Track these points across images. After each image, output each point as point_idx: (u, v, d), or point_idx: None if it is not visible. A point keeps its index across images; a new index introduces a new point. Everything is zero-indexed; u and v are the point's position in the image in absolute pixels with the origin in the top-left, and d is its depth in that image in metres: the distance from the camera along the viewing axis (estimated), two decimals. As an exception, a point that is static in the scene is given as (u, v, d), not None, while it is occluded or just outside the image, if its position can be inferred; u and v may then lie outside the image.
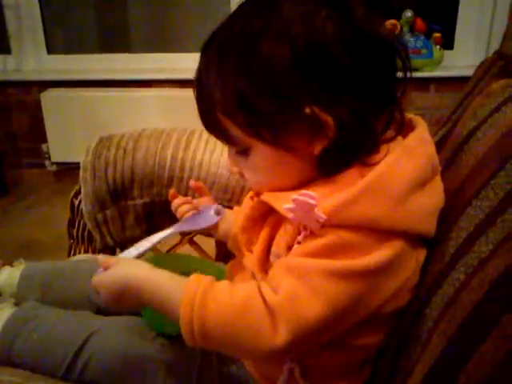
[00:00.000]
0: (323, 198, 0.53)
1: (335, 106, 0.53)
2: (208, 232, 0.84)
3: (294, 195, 0.53)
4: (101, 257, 0.66)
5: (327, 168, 0.57)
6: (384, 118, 0.57)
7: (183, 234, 1.13)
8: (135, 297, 0.60)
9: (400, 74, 0.57)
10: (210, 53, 0.58)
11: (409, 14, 2.18)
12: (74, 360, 0.70)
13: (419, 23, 2.19)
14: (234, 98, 0.54)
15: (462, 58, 2.29)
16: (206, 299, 0.54)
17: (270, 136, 0.55)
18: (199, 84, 0.59)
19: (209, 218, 0.76)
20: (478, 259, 0.52)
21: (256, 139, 0.56)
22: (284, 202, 0.55)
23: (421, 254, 0.58)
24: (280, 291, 0.53)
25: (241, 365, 0.70)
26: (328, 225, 0.52)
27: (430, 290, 0.57)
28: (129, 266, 0.63)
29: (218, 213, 0.76)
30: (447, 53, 2.27)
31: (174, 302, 0.56)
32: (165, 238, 0.73)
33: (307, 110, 0.53)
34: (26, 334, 0.73)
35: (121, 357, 0.70)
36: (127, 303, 0.62)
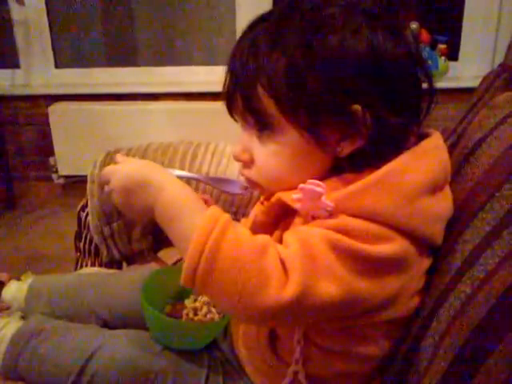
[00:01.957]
0: (331, 190, 0.53)
1: (379, 113, 0.54)
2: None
3: (301, 185, 0.53)
4: (120, 155, 0.63)
5: (344, 169, 0.58)
6: (408, 132, 0.58)
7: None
8: (151, 196, 0.56)
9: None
10: (265, 25, 0.57)
11: (414, 25, 2.19)
12: (79, 375, 0.70)
13: (424, 35, 2.20)
14: (285, 73, 0.54)
15: (467, 69, 2.29)
16: (227, 228, 0.51)
17: (307, 121, 0.55)
18: (243, 54, 0.57)
19: (235, 186, 0.73)
20: (485, 272, 0.52)
21: (291, 121, 0.55)
22: (292, 194, 0.55)
23: (424, 262, 0.58)
24: (290, 248, 0.52)
25: (247, 379, 0.69)
26: (336, 212, 0.53)
27: (437, 303, 0.57)
28: (156, 165, 0.60)
29: (244, 189, 0.74)
30: (452, 64, 2.27)
31: (194, 216, 0.53)
32: (186, 177, 0.71)
33: (356, 108, 0.54)
34: (32, 349, 0.73)
35: (127, 371, 0.69)
36: (137, 202, 0.57)
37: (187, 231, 0.52)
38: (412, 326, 0.60)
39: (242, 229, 0.54)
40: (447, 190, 0.60)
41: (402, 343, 0.62)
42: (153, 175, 0.58)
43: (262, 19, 0.58)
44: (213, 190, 1.01)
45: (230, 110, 0.61)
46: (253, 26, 0.58)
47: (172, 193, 0.56)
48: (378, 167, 0.55)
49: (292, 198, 0.55)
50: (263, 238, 0.53)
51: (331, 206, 0.52)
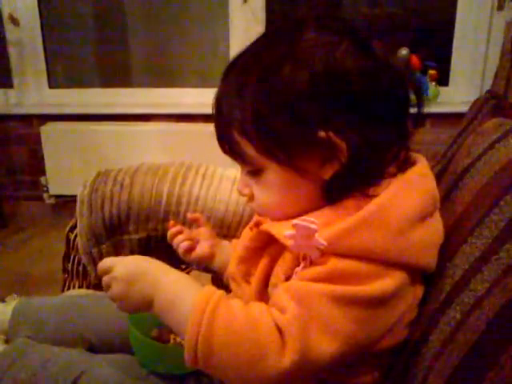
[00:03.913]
0: (323, 227, 0.53)
1: (349, 133, 0.54)
2: (204, 264, 0.84)
3: (295, 220, 0.53)
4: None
5: (332, 195, 0.58)
6: (392, 151, 0.58)
7: (178, 269, 1.11)
8: (150, 286, 0.57)
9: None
10: (232, 75, 0.59)
11: (404, 51, 2.22)
12: (63, 400, 0.68)
13: (415, 60, 2.23)
14: (252, 118, 0.55)
15: (457, 95, 2.32)
16: (219, 306, 0.52)
17: (283, 157, 0.56)
18: (219, 104, 0.60)
19: None
20: (474, 298, 0.51)
21: (270, 159, 0.57)
22: (284, 230, 0.55)
23: (418, 290, 0.58)
24: (287, 312, 0.52)
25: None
26: (328, 253, 0.53)
27: (427, 329, 0.57)
28: (155, 260, 0.62)
29: None
30: (442, 89, 2.31)
31: (187, 302, 0.54)
32: None
33: (322, 134, 0.54)
34: (14, 373, 0.71)
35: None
36: (136, 292, 0.58)
37: (183, 316, 0.53)
38: (403, 352, 0.60)
39: (235, 302, 0.54)
40: (437, 216, 0.60)
41: (393, 369, 0.61)
42: (150, 268, 0.60)
43: (235, 62, 0.60)
44: (202, 210, 1.01)
45: (223, 151, 0.63)
46: (228, 71, 0.60)
47: (168, 284, 0.57)
48: (364, 193, 0.56)
49: (284, 234, 0.55)
50: (256, 308, 0.54)
51: (324, 244, 0.52)
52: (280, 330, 0.51)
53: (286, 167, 0.56)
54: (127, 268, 0.60)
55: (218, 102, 0.60)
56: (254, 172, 0.60)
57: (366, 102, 0.54)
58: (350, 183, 0.57)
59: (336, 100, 0.54)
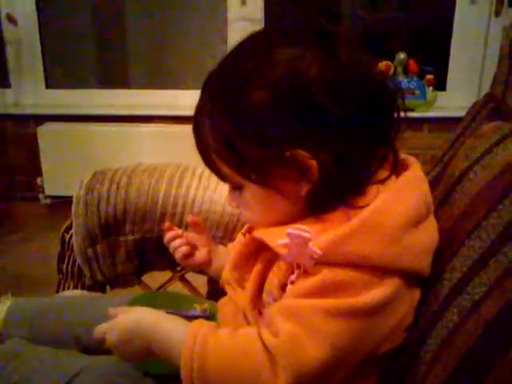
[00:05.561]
0: (316, 235, 0.52)
1: (317, 150, 0.53)
2: (200, 269, 0.83)
3: (289, 229, 0.52)
4: (111, 309, 0.66)
5: (315, 207, 0.57)
6: (376, 158, 0.57)
7: (174, 271, 1.11)
8: (145, 341, 0.59)
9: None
10: (203, 96, 0.60)
11: (402, 56, 2.22)
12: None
13: (412, 65, 2.24)
14: (222, 141, 0.56)
15: (454, 99, 2.33)
16: (207, 340, 0.53)
17: (256, 177, 0.56)
18: (195, 126, 0.61)
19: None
20: (472, 301, 0.51)
21: (244, 179, 0.57)
22: (277, 238, 0.54)
23: (415, 293, 0.58)
24: (280, 335, 0.52)
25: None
26: (322, 262, 0.52)
27: (425, 332, 0.56)
28: (141, 311, 0.63)
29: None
30: (440, 94, 2.31)
31: (178, 344, 0.55)
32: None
33: (288, 154, 0.53)
34: (6, 375, 0.71)
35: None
36: (135, 348, 0.60)
37: (178, 358, 0.55)
38: (400, 355, 0.60)
39: (223, 332, 0.55)
40: (431, 219, 0.59)
41: (390, 373, 0.61)
42: (141, 325, 0.60)
43: (206, 83, 0.60)
44: (199, 212, 1.01)
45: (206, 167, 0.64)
46: (201, 93, 0.60)
47: (160, 335, 0.59)
48: (350, 203, 0.55)
49: (278, 243, 0.54)
50: (244, 336, 0.55)
51: (318, 253, 0.51)
52: (270, 355, 0.51)
53: (260, 185, 0.57)
54: (118, 334, 0.60)
55: (195, 123, 0.61)
56: (236, 188, 0.61)
57: (334, 113, 0.52)
58: (328, 197, 0.56)
59: (300, 119, 0.52)
